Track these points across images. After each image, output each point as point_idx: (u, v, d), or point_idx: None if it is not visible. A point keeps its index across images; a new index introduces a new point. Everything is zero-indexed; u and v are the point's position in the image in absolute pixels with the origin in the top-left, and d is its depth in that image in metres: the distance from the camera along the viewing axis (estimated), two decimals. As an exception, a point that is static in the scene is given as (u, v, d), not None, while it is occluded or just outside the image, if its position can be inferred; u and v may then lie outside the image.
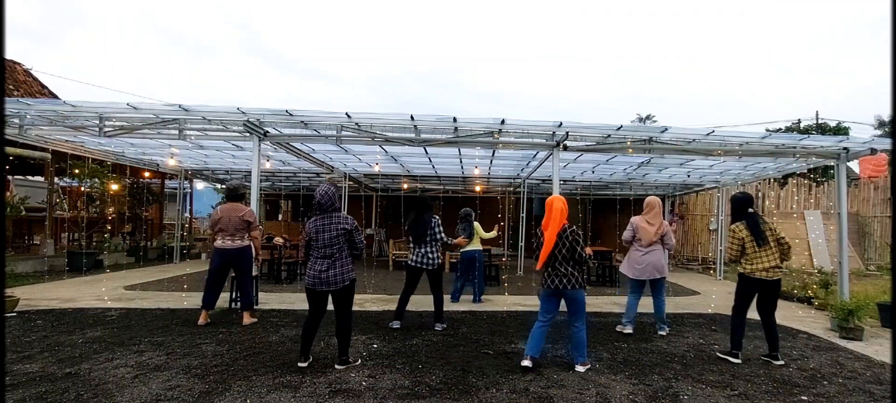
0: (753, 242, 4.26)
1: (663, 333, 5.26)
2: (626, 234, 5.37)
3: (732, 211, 4.52)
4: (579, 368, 3.96)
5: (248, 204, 5.91)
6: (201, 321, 5.28)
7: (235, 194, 5.58)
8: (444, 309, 5.53)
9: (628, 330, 5.28)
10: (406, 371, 3.85)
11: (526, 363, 3.97)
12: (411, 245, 5.42)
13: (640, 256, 5.22)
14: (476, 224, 7.08)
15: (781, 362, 4.28)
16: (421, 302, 6.87)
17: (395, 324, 5.31)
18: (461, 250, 6.96)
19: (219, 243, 5.36)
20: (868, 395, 3.60)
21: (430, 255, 5.32)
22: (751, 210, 4.41)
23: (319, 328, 4.03)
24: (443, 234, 5.42)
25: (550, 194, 4.56)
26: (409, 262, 5.42)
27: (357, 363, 4.01)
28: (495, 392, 3.44)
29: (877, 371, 4.19)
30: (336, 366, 3.90)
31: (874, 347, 4.96)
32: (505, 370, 3.95)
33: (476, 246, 7.01)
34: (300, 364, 3.88)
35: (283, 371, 3.78)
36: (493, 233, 7.61)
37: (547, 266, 4.00)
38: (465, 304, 6.81)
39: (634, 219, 5.35)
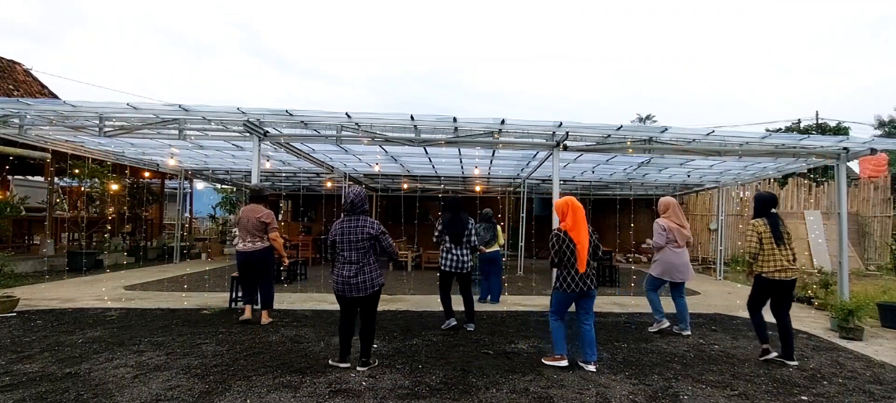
0: (772, 239, 4.29)
1: (686, 334, 5.23)
2: (659, 240, 5.23)
3: (755, 208, 4.54)
4: (592, 368, 3.96)
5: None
6: (245, 316, 5.36)
7: (259, 196, 5.59)
8: (437, 308, 5.52)
9: (666, 324, 5.27)
10: (406, 371, 3.85)
11: (564, 363, 4.00)
12: (447, 245, 5.36)
13: (677, 259, 5.19)
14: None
15: (796, 363, 4.26)
16: (421, 303, 6.87)
17: (452, 322, 5.32)
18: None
19: (239, 245, 5.40)
20: (868, 395, 3.60)
21: (464, 258, 5.32)
22: (773, 210, 4.45)
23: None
24: (476, 239, 5.48)
25: (551, 194, 4.56)
26: (443, 267, 5.37)
27: (376, 364, 4.00)
28: (495, 392, 3.44)
29: (877, 371, 4.19)
30: (358, 368, 3.86)
31: (874, 347, 4.96)
32: (505, 370, 3.95)
33: (495, 247, 7.06)
34: (341, 365, 3.88)
35: (283, 371, 3.78)
36: (502, 240, 7.69)
37: (570, 268, 3.97)
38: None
39: (663, 223, 5.24)
